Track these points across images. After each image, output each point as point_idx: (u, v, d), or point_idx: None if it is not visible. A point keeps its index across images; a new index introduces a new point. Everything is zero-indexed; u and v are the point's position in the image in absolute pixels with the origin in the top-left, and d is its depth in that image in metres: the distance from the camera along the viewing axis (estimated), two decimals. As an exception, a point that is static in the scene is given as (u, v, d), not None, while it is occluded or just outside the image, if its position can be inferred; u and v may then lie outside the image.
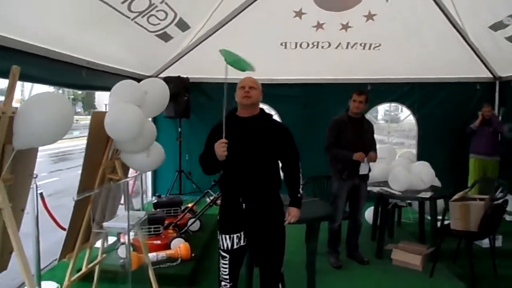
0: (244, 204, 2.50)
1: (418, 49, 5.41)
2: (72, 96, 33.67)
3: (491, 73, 6.00)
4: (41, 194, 3.27)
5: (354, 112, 3.73)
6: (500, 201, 3.71)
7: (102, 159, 2.49)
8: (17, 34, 2.94)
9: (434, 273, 3.58)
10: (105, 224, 2.19)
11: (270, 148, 2.51)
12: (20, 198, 2.10)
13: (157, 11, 3.94)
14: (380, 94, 6.30)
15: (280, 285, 2.73)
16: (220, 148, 2.31)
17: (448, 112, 6.17)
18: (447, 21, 4.84)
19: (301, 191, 2.67)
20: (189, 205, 4.80)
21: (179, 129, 6.13)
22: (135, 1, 3.49)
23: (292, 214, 2.61)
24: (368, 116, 6.44)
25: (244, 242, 2.57)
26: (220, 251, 2.61)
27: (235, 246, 2.54)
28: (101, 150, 2.45)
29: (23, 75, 3.29)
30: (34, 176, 3.11)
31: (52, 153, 13.99)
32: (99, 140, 2.38)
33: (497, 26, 4.55)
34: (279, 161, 2.64)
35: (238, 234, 2.53)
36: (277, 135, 2.56)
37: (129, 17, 3.69)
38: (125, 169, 2.71)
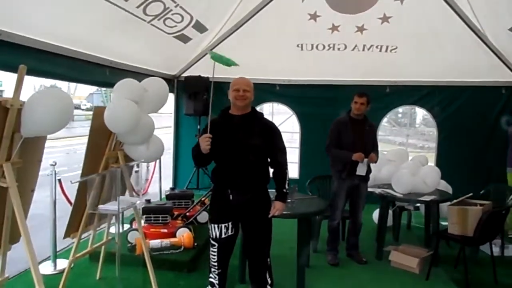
0: (231, 196, 2.68)
1: (436, 52, 5.34)
2: (111, 93, 35.18)
3: (517, 77, 5.79)
4: (59, 180, 3.63)
5: (355, 114, 3.80)
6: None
7: (105, 149, 2.76)
8: (47, 37, 3.32)
9: (431, 277, 3.58)
10: (100, 206, 2.45)
11: (259, 144, 2.66)
12: (29, 180, 2.39)
13: (173, 14, 4.20)
14: (398, 97, 6.27)
15: (267, 275, 2.88)
16: (204, 142, 2.50)
17: (471, 116, 6.00)
18: (463, 24, 4.76)
19: (287, 186, 2.79)
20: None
21: (198, 126, 6.39)
22: (150, 6, 3.76)
23: (276, 207, 2.73)
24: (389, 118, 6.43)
25: (232, 231, 2.74)
26: (210, 239, 2.80)
27: (223, 235, 2.72)
28: (104, 142, 2.73)
29: (55, 74, 3.73)
30: (53, 163, 3.49)
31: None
32: (101, 132, 2.65)
33: (517, 29, 4.44)
34: (267, 158, 2.79)
35: (226, 224, 2.71)
36: (267, 133, 2.72)
37: (145, 20, 3.96)
38: (128, 160, 2.96)
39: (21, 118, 2.11)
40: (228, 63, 2.61)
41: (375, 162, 3.83)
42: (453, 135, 6.14)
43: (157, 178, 6.38)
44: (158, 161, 6.29)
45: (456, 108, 6.10)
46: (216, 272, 2.81)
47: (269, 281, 2.89)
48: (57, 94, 2.17)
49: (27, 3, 2.84)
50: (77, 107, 29.18)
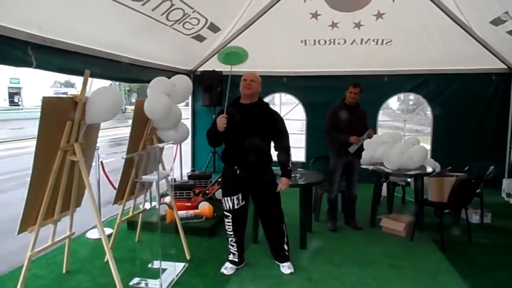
0: (238, 171, 3.23)
1: (427, 44, 5.89)
2: (128, 88, 36.28)
3: (505, 64, 6.28)
4: (101, 162, 4.35)
5: (349, 101, 4.41)
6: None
7: (143, 134, 3.46)
8: (87, 42, 4.00)
9: (415, 239, 4.20)
10: (143, 176, 3.14)
11: (263, 129, 3.20)
12: (89, 157, 3.12)
13: (191, 18, 4.86)
14: (396, 85, 6.84)
15: (283, 226, 3.42)
16: (221, 121, 3.07)
17: (464, 101, 6.53)
18: (448, 18, 5.29)
19: (290, 165, 3.35)
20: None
21: (213, 116, 7.07)
22: (172, 13, 4.42)
23: (283, 182, 3.27)
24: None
25: (242, 202, 3.29)
26: (224, 212, 3.33)
27: (235, 206, 3.27)
28: (142, 127, 3.43)
29: (95, 74, 4.40)
30: (97, 148, 4.21)
31: (110, 139, 15.70)
32: (141, 120, 3.34)
33: (497, 22, 4.95)
34: (271, 142, 3.31)
35: (237, 196, 3.27)
36: (270, 120, 3.25)
37: (167, 25, 4.63)
38: (161, 142, 3.65)
39: (86, 109, 2.82)
40: (238, 53, 3.18)
41: (371, 137, 4.44)
42: (447, 119, 6.68)
43: (178, 164, 7.13)
44: (178, 149, 7.03)
45: (450, 94, 6.64)
46: (234, 240, 3.34)
47: (286, 240, 3.42)
48: (110, 90, 2.87)
49: (79, 17, 3.51)
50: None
